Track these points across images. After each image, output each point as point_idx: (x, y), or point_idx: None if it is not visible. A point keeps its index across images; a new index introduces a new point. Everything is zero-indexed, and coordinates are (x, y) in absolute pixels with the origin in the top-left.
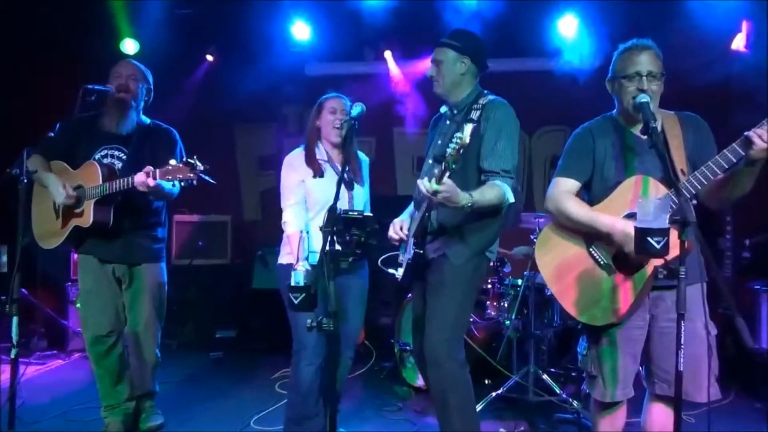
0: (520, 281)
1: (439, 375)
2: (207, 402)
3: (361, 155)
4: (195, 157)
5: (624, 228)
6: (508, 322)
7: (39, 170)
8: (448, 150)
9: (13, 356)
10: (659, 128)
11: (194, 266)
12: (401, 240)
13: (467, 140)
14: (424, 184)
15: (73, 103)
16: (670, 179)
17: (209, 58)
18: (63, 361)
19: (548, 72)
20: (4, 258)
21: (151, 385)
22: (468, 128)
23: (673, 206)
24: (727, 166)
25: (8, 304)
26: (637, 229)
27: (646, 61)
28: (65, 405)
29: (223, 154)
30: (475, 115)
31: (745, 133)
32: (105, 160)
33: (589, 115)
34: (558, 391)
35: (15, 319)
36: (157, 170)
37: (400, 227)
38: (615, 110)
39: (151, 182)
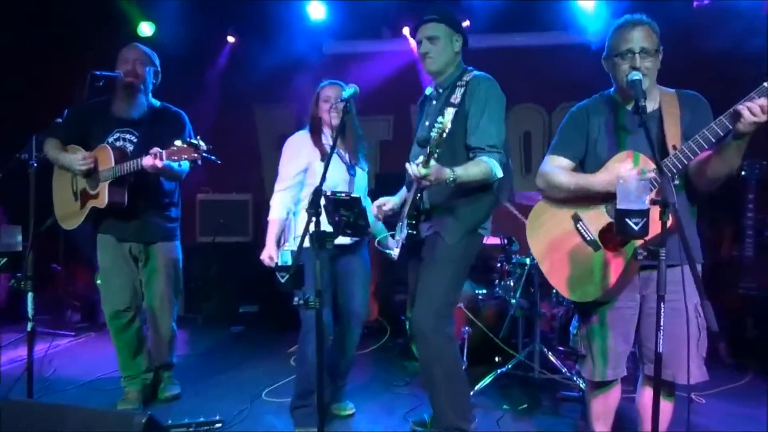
0: (527, 260)
1: (426, 348)
2: (223, 374)
3: (360, 130)
4: (198, 137)
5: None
6: (513, 301)
7: (55, 153)
8: (432, 134)
9: (29, 329)
10: (657, 105)
11: (217, 243)
12: (377, 218)
13: (448, 125)
14: (411, 169)
15: (81, 89)
16: (662, 157)
17: (230, 39)
18: (95, 333)
19: (568, 46)
20: (20, 238)
21: (168, 357)
22: (449, 113)
23: (654, 187)
24: (714, 140)
25: (23, 281)
26: (616, 210)
27: (639, 38)
28: (92, 374)
29: (245, 134)
30: (459, 93)
31: (734, 107)
32: (117, 143)
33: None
34: (563, 370)
35: (30, 295)
36: (164, 151)
37: (381, 205)
38: (612, 88)
39: (158, 163)
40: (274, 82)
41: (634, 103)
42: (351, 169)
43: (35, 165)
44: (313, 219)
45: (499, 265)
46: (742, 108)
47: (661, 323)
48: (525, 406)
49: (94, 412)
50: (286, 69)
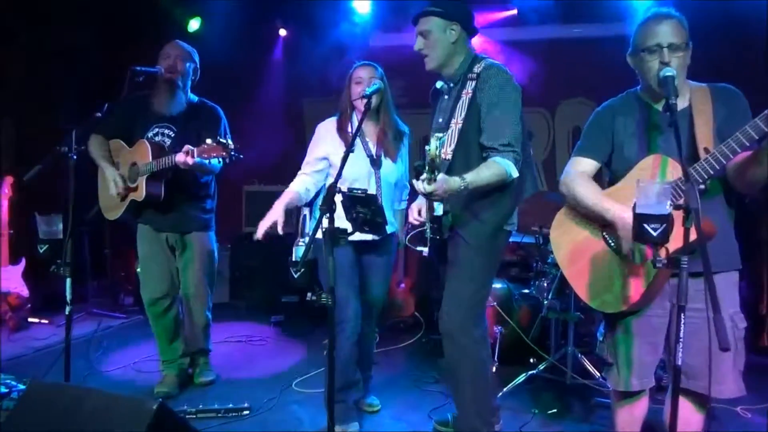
0: None
1: (453, 348)
2: (258, 362)
3: (403, 126)
4: (228, 137)
5: (628, 220)
6: (546, 302)
7: (98, 155)
8: (426, 159)
9: (67, 313)
10: (687, 103)
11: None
12: (422, 223)
13: (435, 154)
14: (417, 187)
15: (123, 85)
16: (693, 158)
17: (282, 32)
18: (145, 317)
19: (623, 37)
20: (60, 226)
21: (204, 343)
22: (434, 141)
23: (677, 192)
24: (748, 144)
25: (62, 267)
26: (635, 214)
27: (667, 32)
28: (137, 356)
29: (293, 128)
30: (470, 87)
31: None
32: (156, 138)
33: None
34: (597, 376)
35: (68, 281)
36: (195, 149)
37: (418, 211)
38: (639, 86)
39: (190, 160)
40: (321, 75)
41: (665, 101)
42: (375, 161)
43: (75, 158)
44: (327, 216)
45: (534, 264)
46: None
47: (681, 335)
48: (555, 410)
49: (110, 397)
50: (333, 63)
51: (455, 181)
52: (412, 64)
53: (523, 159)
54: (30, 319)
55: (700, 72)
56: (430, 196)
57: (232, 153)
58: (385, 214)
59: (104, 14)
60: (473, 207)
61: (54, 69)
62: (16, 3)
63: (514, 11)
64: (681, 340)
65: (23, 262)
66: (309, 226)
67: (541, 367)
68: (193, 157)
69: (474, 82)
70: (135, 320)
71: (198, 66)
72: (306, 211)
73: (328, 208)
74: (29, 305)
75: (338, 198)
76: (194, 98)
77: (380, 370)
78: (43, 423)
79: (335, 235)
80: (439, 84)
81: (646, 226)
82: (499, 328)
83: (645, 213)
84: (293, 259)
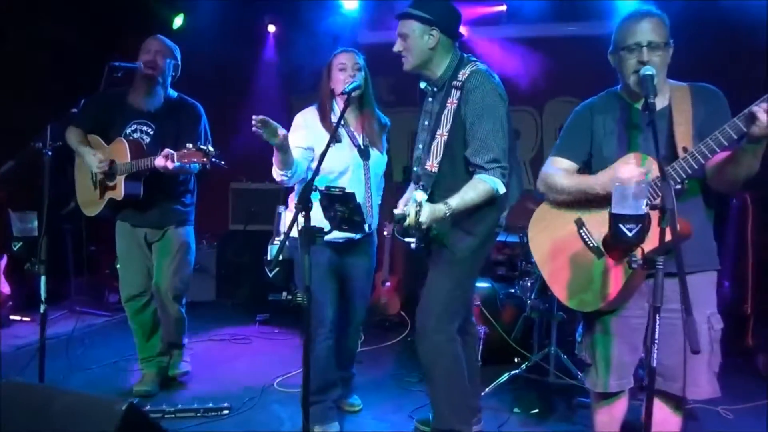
0: None
1: (427, 346)
2: (240, 359)
3: (384, 118)
4: (208, 135)
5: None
6: (529, 301)
7: (76, 142)
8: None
9: (42, 311)
10: (667, 102)
11: (248, 231)
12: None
13: (413, 220)
14: (407, 220)
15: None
16: (672, 158)
17: (271, 28)
18: None
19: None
20: (35, 224)
21: (177, 338)
22: (413, 208)
23: (654, 192)
24: (727, 143)
25: (36, 265)
26: (610, 214)
27: (647, 31)
28: (118, 355)
29: (281, 125)
30: (455, 96)
31: (749, 108)
32: (134, 135)
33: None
34: (579, 375)
35: (43, 279)
36: (175, 153)
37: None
38: (619, 85)
39: (169, 165)
40: (308, 72)
41: (644, 100)
42: (363, 152)
43: (50, 153)
44: (302, 213)
45: (519, 263)
46: (758, 110)
47: (656, 336)
48: (537, 410)
49: (79, 397)
50: (321, 60)
51: (440, 210)
52: (401, 61)
53: (511, 165)
54: (11, 317)
55: (692, 68)
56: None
57: (213, 159)
58: (363, 212)
59: (92, 10)
60: (463, 224)
61: (39, 63)
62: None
63: (503, 7)
64: (656, 341)
65: (5, 259)
66: (284, 224)
67: (524, 367)
68: (173, 161)
69: (459, 92)
70: (119, 318)
71: (179, 62)
72: (281, 209)
73: (304, 206)
74: (10, 303)
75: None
76: (174, 94)
77: (364, 369)
78: (14, 423)
79: (311, 233)
80: (422, 84)
81: (621, 226)
82: (484, 327)
83: (621, 213)
84: (268, 257)
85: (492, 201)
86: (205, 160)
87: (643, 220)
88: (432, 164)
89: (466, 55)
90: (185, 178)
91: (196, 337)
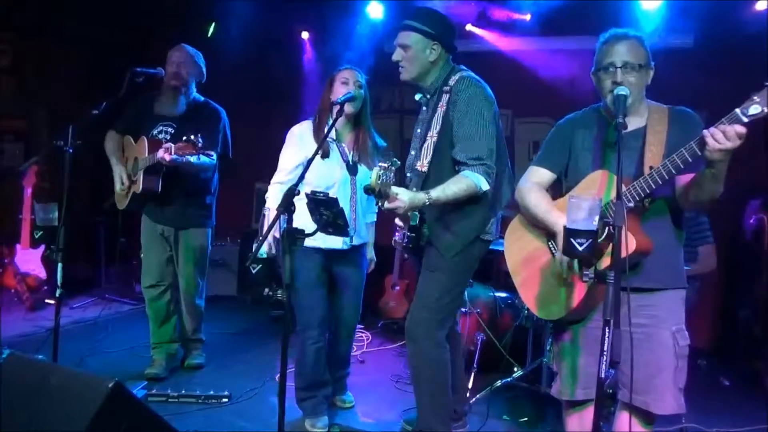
0: None
1: (415, 351)
2: (248, 353)
3: (379, 140)
4: (199, 135)
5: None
6: (525, 311)
7: (110, 151)
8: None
9: (57, 295)
10: (643, 123)
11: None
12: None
13: (376, 183)
14: (384, 207)
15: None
16: (639, 177)
17: (305, 35)
18: None
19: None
20: (56, 214)
21: (195, 332)
22: (375, 172)
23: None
24: (683, 166)
25: (55, 253)
26: (564, 228)
27: (622, 52)
28: (136, 341)
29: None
30: (444, 99)
31: (702, 132)
32: (159, 136)
33: (681, 94)
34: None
35: (60, 266)
36: (173, 146)
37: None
38: (602, 102)
39: (167, 156)
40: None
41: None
42: (351, 168)
43: (71, 151)
44: (283, 217)
45: None
46: (706, 134)
47: (605, 348)
48: (526, 418)
49: (73, 374)
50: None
51: (419, 198)
52: None
53: (500, 168)
54: (47, 300)
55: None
56: (394, 211)
57: (200, 150)
58: (346, 216)
59: (134, 13)
60: (446, 219)
61: (85, 62)
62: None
63: (527, 16)
64: (605, 353)
65: (42, 246)
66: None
67: (515, 376)
68: (170, 153)
69: (448, 96)
70: (143, 307)
71: (202, 68)
72: (267, 209)
73: (286, 208)
74: (46, 287)
75: (300, 200)
76: (200, 98)
77: (366, 369)
78: (14, 392)
79: (293, 235)
80: (417, 96)
81: (573, 240)
82: (481, 335)
83: (573, 228)
84: (255, 256)
85: (477, 199)
86: (194, 150)
87: (593, 236)
88: (422, 164)
89: (456, 65)
90: (205, 179)
91: (213, 330)
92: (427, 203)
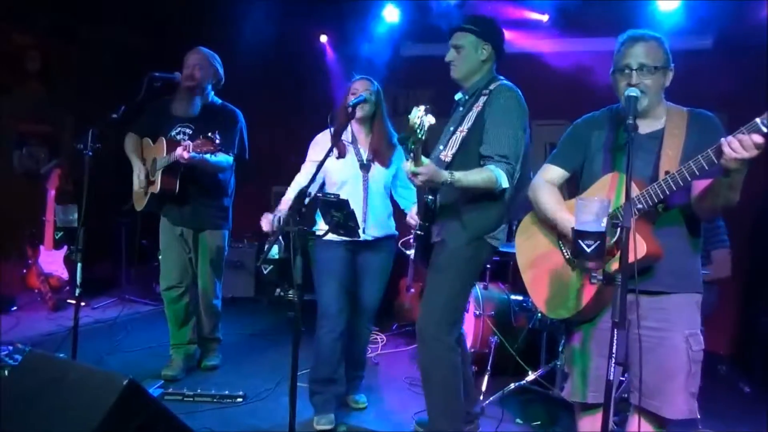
0: None
1: (425, 353)
2: (264, 354)
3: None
4: (216, 132)
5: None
6: (539, 314)
7: (130, 151)
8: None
9: (76, 295)
10: (661, 125)
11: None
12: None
13: (415, 120)
14: (405, 167)
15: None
16: (654, 180)
17: (323, 38)
18: None
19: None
20: (75, 215)
21: (213, 332)
22: (414, 110)
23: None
24: (699, 174)
25: (74, 253)
26: (572, 230)
27: (639, 54)
28: (155, 341)
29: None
30: (482, 101)
31: (720, 140)
32: (178, 137)
33: (704, 97)
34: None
35: (79, 265)
36: (191, 143)
37: (415, 213)
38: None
39: (185, 154)
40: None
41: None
42: (365, 166)
43: (90, 154)
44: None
45: None
46: (724, 142)
47: (613, 350)
48: (539, 422)
49: (89, 370)
50: (365, 71)
51: (443, 174)
52: (440, 74)
53: (521, 180)
54: (69, 300)
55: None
56: (413, 178)
57: (218, 147)
58: (356, 218)
59: (159, 18)
60: (460, 209)
61: (110, 68)
62: (78, 3)
63: (545, 17)
64: (613, 355)
65: (65, 247)
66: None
67: (528, 379)
68: (189, 151)
69: (485, 98)
70: (163, 308)
71: (219, 70)
72: (278, 212)
73: (297, 209)
74: (68, 287)
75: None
76: (217, 101)
77: (380, 370)
78: (33, 388)
79: (303, 235)
80: (457, 96)
81: (581, 242)
82: (495, 338)
83: (581, 230)
84: (267, 256)
85: (492, 197)
86: (212, 148)
87: (601, 237)
88: (446, 154)
89: (498, 75)
90: (222, 181)
91: (230, 330)
92: (448, 182)
